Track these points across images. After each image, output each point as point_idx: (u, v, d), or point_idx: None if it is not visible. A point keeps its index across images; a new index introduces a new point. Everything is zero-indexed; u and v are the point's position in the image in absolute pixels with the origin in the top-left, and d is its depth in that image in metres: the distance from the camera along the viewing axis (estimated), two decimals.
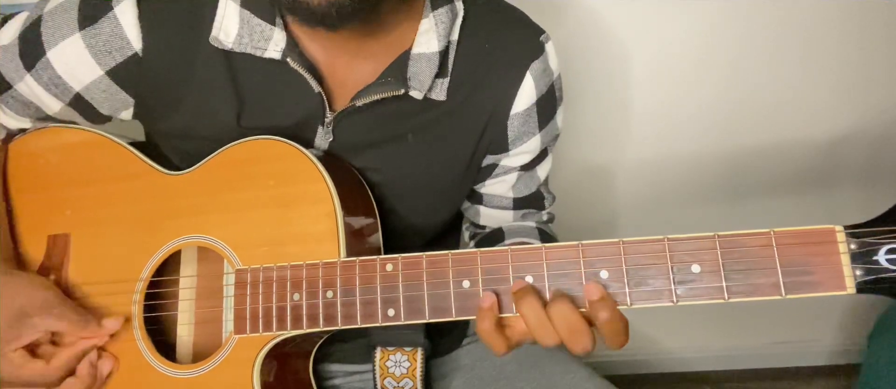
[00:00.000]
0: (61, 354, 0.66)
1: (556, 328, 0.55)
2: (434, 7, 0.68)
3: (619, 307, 0.55)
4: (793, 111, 1.20)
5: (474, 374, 0.82)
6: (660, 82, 1.17)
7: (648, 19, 1.10)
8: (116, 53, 0.66)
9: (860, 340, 1.21)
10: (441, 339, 0.83)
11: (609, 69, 1.15)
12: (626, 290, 0.55)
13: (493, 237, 0.81)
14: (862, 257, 0.50)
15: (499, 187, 0.80)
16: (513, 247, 0.58)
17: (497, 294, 0.57)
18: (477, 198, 0.83)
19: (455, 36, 0.69)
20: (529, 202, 0.82)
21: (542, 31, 0.74)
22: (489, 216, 0.83)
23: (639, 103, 1.19)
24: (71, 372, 0.66)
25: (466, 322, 0.87)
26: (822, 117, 1.21)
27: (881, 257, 0.50)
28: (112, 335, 0.68)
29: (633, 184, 1.29)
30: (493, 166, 0.78)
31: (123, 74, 0.67)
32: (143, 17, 0.65)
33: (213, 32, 0.65)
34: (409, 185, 0.74)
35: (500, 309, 0.58)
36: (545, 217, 0.85)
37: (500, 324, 0.58)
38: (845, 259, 0.51)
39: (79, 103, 0.70)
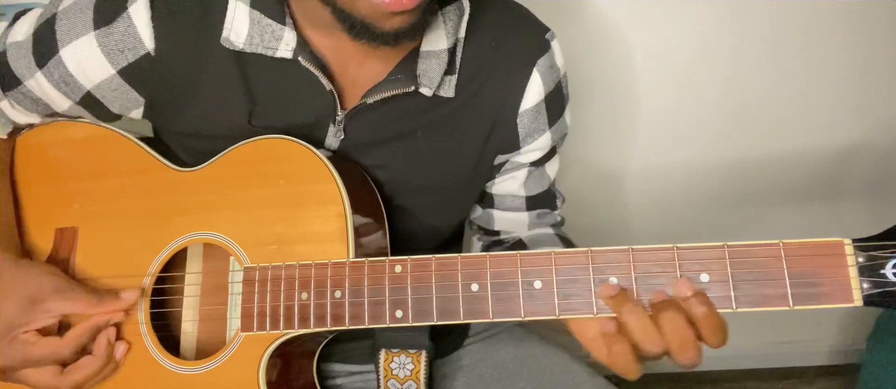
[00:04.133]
0: (75, 328, 0.65)
1: (665, 337, 0.52)
2: (442, 4, 0.68)
3: None
4: (802, 121, 1.20)
5: (475, 374, 0.83)
6: (667, 89, 1.16)
7: (657, 27, 1.10)
8: (129, 52, 0.66)
9: (860, 340, 1.22)
10: (443, 340, 0.83)
11: (617, 73, 1.14)
12: (635, 298, 0.55)
13: (515, 249, 0.80)
14: (869, 270, 0.50)
15: (510, 184, 0.80)
16: (522, 252, 0.58)
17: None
18: (488, 201, 0.82)
19: (462, 33, 0.70)
20: (542, 201, 0.82)
21: (548, 29, 0.74)
22: (503, 220, 0.82)
23: (646, 108, 1.18)
24: (83, 350, 0.66)
25: (468, 324, 0.87)
26: (831, 127, 1.21)
27: (888, 270, 0.50)
28: (117, 335, 0.68)
29: (640, 188, 1.28)
30: (503, 162, 0.78)
31: (135, 73, 0.67)
32: (156, 18, 0.65)
33: (224, 33, 0.65)
34: (417, 182, 0.74)
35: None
36: (558, 219, 0.85)
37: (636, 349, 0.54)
38: (853, 272, 0.51)
39: (88, 101, 0.70)
